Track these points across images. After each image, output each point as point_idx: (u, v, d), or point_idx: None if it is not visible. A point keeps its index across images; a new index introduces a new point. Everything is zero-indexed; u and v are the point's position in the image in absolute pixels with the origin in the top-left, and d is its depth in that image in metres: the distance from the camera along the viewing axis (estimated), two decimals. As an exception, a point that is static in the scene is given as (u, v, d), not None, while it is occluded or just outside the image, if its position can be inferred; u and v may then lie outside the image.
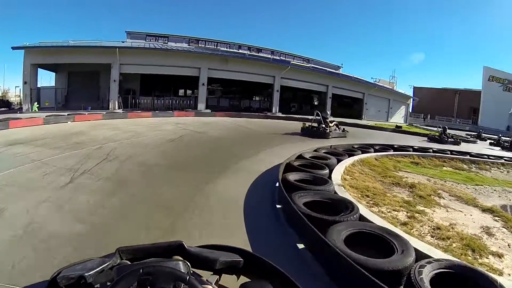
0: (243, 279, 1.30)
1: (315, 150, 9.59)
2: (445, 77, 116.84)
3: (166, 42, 31.28)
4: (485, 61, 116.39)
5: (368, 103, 37.32)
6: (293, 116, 27.13)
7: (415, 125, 39.68)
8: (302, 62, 37.34)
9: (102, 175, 5.73)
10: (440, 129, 22.69)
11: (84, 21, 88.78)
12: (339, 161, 8.54)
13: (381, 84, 39.99)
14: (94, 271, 1.02)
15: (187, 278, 0.85)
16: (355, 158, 9.63)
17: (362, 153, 10.53)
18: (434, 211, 6.08)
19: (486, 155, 14.43)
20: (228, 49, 33.44)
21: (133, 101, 26.23)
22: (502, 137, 25.97)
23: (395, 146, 12.97)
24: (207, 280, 1.05)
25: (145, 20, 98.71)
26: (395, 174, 9.18)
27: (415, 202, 6.37)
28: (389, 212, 5.56)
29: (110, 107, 23.51)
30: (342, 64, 41.67)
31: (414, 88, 50.93)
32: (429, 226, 5.13)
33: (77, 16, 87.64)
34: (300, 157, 8.18)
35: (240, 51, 33.85)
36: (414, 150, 12.89)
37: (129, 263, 1.12)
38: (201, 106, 26.94)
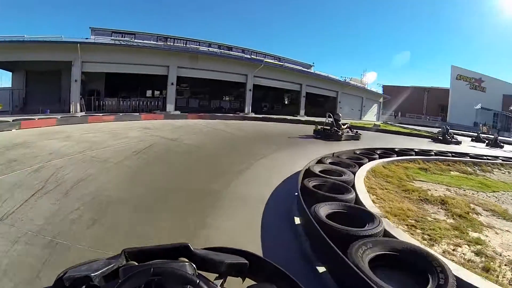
0: (249, 282, 1.17)
1: (319, 161, 7.91)
2: (413, 75, 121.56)
3: (133, 39, 28.55)
4: (453, 60, 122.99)
5: (342, 102, 36.83)
6: (269, 117, 25.54)
7: (390, 123, 39.89)
8: (273, 60, 36.10)
9: (26, 227, 3.45)
10: (443, 130, 22.62)
11: (45, 19, 79.77)
12: (353, 174, 7.00)
13: (354, 83, 39.62)
14: (100, 271, 0.96)
15: (197, 281, 0.82)
16: (366, 168, 8.18)
17: (368, 161, 9.09)
18: (486, 236, 5.02)
19: (484, 155, 13.77)
20: (198, 46, 31.31)
21: (97, 103, 23.30)
22: (481, 134, 26.56)
23: (396, 149, 11.71)
24: (212, 283, 0.94)
25: (110, 18, 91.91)
26: (413, 185, 7.92)
27: (462, 226, 5.22)
28: (453, 250, 4.26)
29: (71, 110, 20.52)
30: (313, 63, 41.02)
31: (384, 86, 51.86)
32: (506, 266, 4.06)
33: (38, 13, 78.64)
34: (309, 173, 6.45)
35: (210, 49, 31.90)
36: (417, 153, 11.72)
37: (136, 264, 1.04)
38: (170, 107, 24.59)
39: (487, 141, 23.83)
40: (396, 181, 8.07)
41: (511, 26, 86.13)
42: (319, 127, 16.96)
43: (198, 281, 0.83)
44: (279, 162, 8.78)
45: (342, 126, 16.84)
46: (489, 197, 8.25)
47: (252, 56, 33.68)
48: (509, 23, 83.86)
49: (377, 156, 9.92)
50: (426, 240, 4.53)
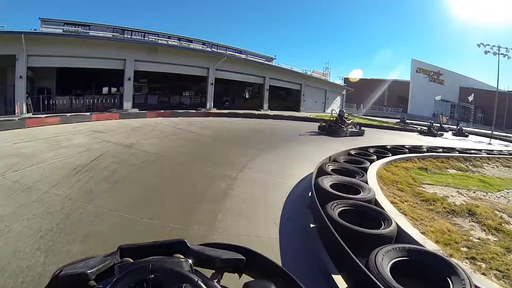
0: (246, 278, 1.11)
1: (320, 169, 6.45)
2: (373, 68, 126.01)
3: (87, 31, 25.25)
4: (413, 54, 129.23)
5: (306, 94, 36.58)
6: (235, 112, 23.44)
7: (355, 115, 40.17)
8: (235, 53, 34.65)
9: None
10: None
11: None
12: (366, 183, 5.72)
13: (317, 75, 39.28)
14: (96, 268, 0.97)
15: (196, 280, 0.80)
16: (372, 173, 6.98)
17: (370, 163, 7.86)
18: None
19: (471, 149, 13.52)
20: (157, 38, 28.64)
21: (47, 102, 20.03)
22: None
23: (388, 147, 10.67)
24: (210, 280, 0.96)
25: (64, 10, 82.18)
26: (427, 192, 6.90)
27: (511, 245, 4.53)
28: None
29: (16, 111, 17.25)
30: (275, 56, 39.69)
31: (345, 79, 52.65)
32: None
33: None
34: (319, 190, 4.92)
35: (170, 41, 29.47)
36: (410, 150, 10.80)
37: (132, 261, 1.01)
38: (127, 105, 21.95)
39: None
40: (407, 187, 6.97)
41: (466, 24, 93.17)
42: (323, 123, 17.00)
43: (196, 279, 0.81)
44: (270, 174, 7.17)
45: (347, 122, 16.84)
46: (499, 197, 7.70)
47: (213, 49, 31.77)
48: (464, 21, 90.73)
49: (374, 157, 8.72)
50: (503, 279, 3.52)
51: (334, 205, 4.04)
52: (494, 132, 26.45)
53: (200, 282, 0.79)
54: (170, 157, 8.43)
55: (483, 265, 3.79)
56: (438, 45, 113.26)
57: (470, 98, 31.36)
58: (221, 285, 1.01)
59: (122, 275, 0.81)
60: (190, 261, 0.98)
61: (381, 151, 9.77)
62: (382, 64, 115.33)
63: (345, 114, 17.75)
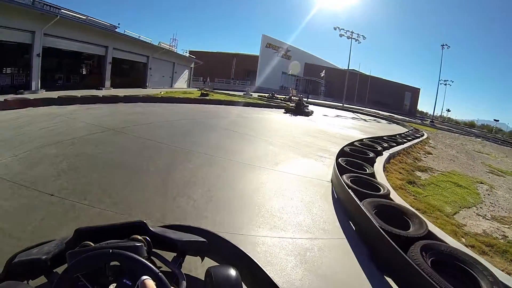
0: (208, 261, 1.19)
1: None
2: (221, 42, 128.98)
3: None
4: (264, 30, 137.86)
5: (153, 68, 33.25)
6: (70, 96, 14.83)
7: (208, 89, 39.21)
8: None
9: None
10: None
11: None
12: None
13: (166, 46, 35.77)
14: (52, 254, 1.01)
15: (157, 272, 0.82)
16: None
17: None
18: None
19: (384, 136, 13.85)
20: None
21: None
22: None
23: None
24: (172, 263, 1.04)
25: None
26: (491, 239, 5.38)
27: None
28: None
29: None
30: (119, 24, 32.76)
31: (190, 52, 50.94)
32: None
33: None
34: None
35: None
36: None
37: (93, 244, 1.05)
38: None
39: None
40: (471, 238, 5.35)
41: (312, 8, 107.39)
42: (290, 105, 23.20)
43: (157, 271, 0.81)
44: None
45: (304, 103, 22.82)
46: (494, 206, 7.49)
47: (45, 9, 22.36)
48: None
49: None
50: None
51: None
52: (344, 105, 30.76)
53: (160, 275, 0.81)
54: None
55: None
56: (290, 23, 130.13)
57: (322, 74, 36.03)
58: (182, 272, 1.09)
59: (73, 263, 0.83)
60: (150, 242, 1.01)
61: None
62: (231, 38, 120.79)
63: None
